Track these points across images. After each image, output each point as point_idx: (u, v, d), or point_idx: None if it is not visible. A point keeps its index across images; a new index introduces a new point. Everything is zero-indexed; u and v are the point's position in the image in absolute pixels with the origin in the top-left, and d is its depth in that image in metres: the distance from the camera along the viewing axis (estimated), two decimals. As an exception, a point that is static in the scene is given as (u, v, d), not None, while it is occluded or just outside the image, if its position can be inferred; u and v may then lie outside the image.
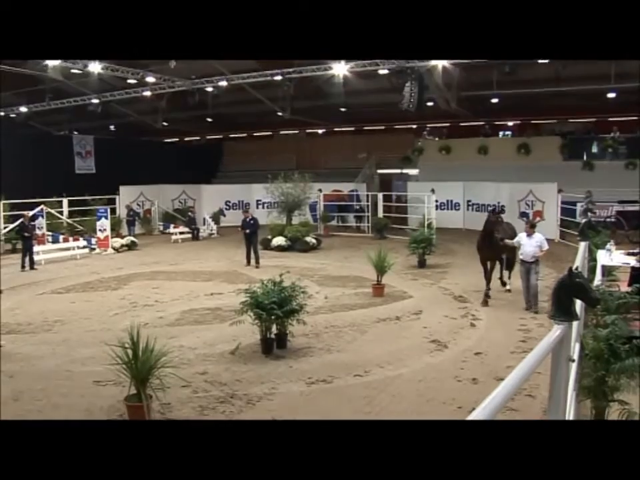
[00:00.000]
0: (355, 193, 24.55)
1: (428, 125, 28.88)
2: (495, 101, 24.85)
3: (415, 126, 29.21)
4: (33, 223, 17.43)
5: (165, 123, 29.94)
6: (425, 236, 15.38)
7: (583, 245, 8.51)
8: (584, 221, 11.46)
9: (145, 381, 5.92)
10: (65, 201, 21.04)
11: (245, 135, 35.79)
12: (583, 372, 4.61)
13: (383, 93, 23.23)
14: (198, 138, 37.32)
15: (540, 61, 18.15)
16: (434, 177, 22.71)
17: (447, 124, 28.37)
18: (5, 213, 18.79)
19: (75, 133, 29.04)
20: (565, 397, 2.82)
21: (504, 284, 11.80)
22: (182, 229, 22.32)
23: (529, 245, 10.14)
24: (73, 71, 19.99)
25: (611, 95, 22.21)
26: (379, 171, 27.76)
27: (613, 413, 4.51)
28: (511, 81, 21.35)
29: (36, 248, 16.58)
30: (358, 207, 23.96)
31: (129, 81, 22.22)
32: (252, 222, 15.81)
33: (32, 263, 15.70)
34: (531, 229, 10.26)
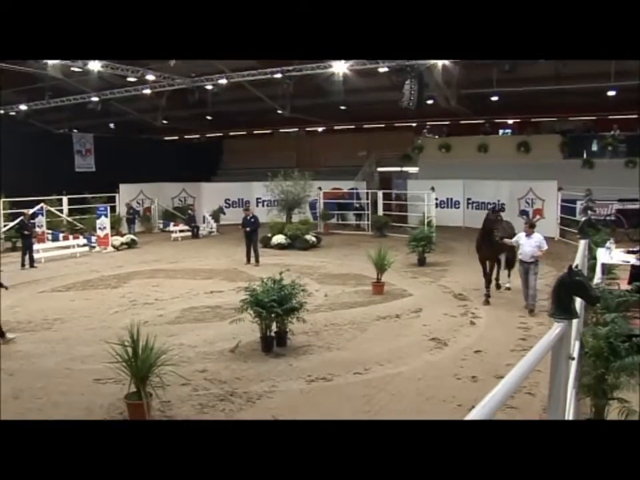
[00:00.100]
0: (354, 191, 24.57)
1: (428, 123, 28.85)
2: (494, 98, 24.83)
3: (414, 124, 29.21)
4: (32, 221, 17.47)
5: (164, 121, 29.92)
6: (425, 234, 15.39)
7: (582, 243, 8.50)
8: (584, 219, 11.45)
9: (144, 379, 5.93)
10: (65, 199, 21.03)
11: (244, 132, 35.76)
12: (583, 370, 4.63)
13: (382, 90, 23.20)
14: (198, 136, 37.33)
15: (540, 59, 18.11)
16: (434, 175, 22.73)
17: (447, 122, 28.36)
18: (4, 211, 18.77)
19: (75, 131, 28.99)
20: (565, 395, 2.83)
21: (499, 287, 11.66)
22: (182, 227, 22.30)
23: (527, 245, 9.95)
24: (72, 69, 19.96)
25: (611, 93, 22.18)
26: (379, 169, 27.77)
27: (613, 411, 4.52)
28: (510, 79, 21.33)
29: (36, 246, 16.59)
30: (358, 205, 23.96)
31: (128, 79, 22.19)
32: (253, 220, 15.82)
33: (32, 261, 15.71)
34: (530, 228, 10.08)
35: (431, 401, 6.45)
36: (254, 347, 8.38)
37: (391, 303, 11.05)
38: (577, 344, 4.36)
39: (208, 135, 36.78)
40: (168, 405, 6.34)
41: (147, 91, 23.58)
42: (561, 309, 2.84)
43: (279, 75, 20.97)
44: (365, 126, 31.94)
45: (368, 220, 22.62)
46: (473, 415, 1.54)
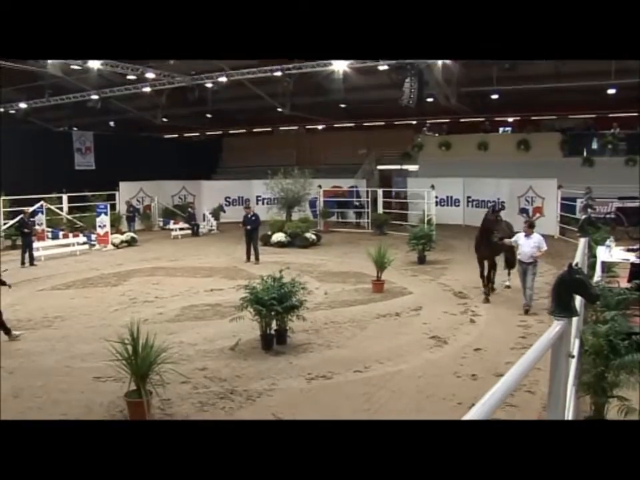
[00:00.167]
0: (354, 189, 24.56)
1: (428, 121, 28.84)
2: (494, 97, 24.84)
3: (414, 122, 29.18)
4: (32, 219, 17.46)
5: (164, 119, 29.88)
6: (425, 232, 15.40)
7: (582, 241, 8.51)
8: (584, 217, 11.49)
9: (144, 377, 5.94)
10: (65, 197, 21.04)
11: (244, 130, 35.73)
12: (583, 368, 4.63)
13: (382, 89, 23.20)
14: (198, 134, 37.30)
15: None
16: (434, 173, 22.72)
17: (447, 120, 28.33)
18: (4, 209, 18.77)
19: (75, 129, 28.97)
20: (565, 393, 2.83)
21: (493, 290, 11.36)
22: (182, 224, 22.30)
23: (526, 245, 9.82)
24: (72, 67, 19.96)
25: (611, 91, 22.19)
26: (379, 167, 27.78)
27: (612, 409, 4.53)
28: (510, 77, 21.34)
29: (36, 244, 16.60)
30: (358, 203, 23.96)
31: (128, 77, 22.18)
32: (253, 218, 15.84)
33: (32, 259, 15.72)
34: (529, 229, 9.94)
35: (430, 399, 6.46)
36: (254, 344, 8.39)
37: (390, 301, 11.06)
38: (577, 342, 4.37)
39: (208, 133, 36.74)
40: (168, 403, 6.36)
41: (147, 89, 23.57)
42: (561, 306, 2.85)
43: (279, 73, 20.97)
44: (365, 124, 31.90)
45: (368, 218, 22.62)
46: (472, 413, 1.54)
